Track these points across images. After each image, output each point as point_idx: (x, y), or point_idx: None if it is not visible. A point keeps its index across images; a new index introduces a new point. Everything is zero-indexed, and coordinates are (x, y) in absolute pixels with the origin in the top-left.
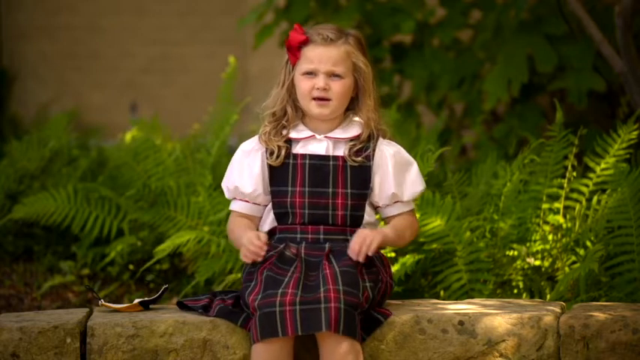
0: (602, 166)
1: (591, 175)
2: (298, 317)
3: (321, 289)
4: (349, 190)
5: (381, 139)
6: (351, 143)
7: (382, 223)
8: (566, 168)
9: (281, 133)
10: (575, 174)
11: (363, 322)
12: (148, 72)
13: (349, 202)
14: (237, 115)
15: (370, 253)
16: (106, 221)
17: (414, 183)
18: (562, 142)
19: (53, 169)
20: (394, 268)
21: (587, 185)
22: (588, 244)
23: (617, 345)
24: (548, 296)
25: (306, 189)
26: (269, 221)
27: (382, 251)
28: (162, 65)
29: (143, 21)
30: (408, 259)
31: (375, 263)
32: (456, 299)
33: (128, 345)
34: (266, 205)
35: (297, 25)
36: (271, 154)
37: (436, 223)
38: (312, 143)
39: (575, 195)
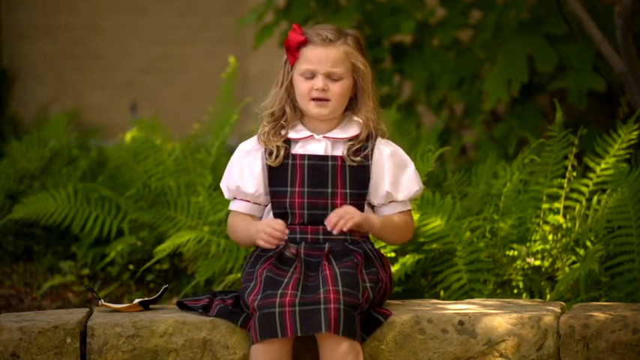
0: (602, 166)
1: (591, 175)
2: (298, 318)
3: (321, 290)
4: (348, 190)
5: (379, 139)
6: (350, 143)
7: None
8: (566, 168)
9: (280, 133)
10: (575, 174)
11: (363, 322)
12: (148, 72)
13: (348, 202)
14: (237, 115)
15: (345, 229)
16: (106, 221)
17: (410, 183)
18: (562, 142)
19: (53, 169)
20: (394, 268)
21: (587, 185)
22: (588, 244)
23: (617, 345)
24: (548, 296)
25: (305, 189)
26: None
27: (382, 251)
28: (162, 65)
29: (143, 21)
30: (408, 259)
31: (374, 263)
32: (456, 299)
33: (128, 345)
34: (266, 205)
35: (296, 25)
36: (270, 154)
37: (436, 223)
38: (310, 143)
39: (575, 195)
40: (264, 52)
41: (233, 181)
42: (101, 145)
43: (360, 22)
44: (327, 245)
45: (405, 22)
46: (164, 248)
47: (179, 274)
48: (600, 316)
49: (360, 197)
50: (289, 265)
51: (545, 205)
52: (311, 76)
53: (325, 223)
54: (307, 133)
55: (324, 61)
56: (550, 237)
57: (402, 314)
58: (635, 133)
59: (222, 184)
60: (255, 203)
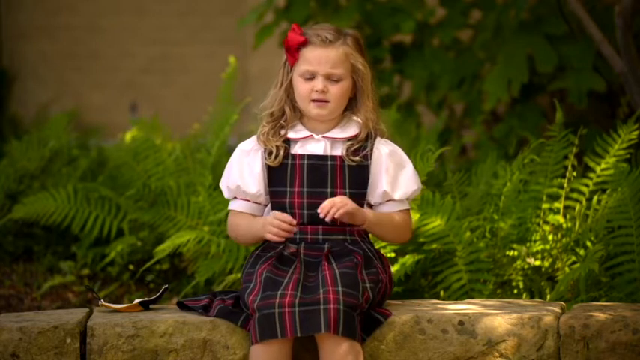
0: (602, 166)
1: (591, 175)
2: (297, 318)
3: (321, 291)
4: (347, 190)
5: (378, 139)
6: (349, 143)
7: None
8: (566, 168)
9: (279, 134)
10: (575, 174)
11: (362, 322)
12: (148, 72)
13: None
14: (237, 115)
15: (337, 216)
16: (106, 221)
17: (408, 182)
18: (562, 142)
19: (53, 169)
20: (394, 268)
21: (587, 185)
22: (588, 244)
23: (617, 345)
24: (548, 296)
25: (305, 189)
26: None
27: (382, 251)
28: (162, 65)
29: (143, 21)
30: (408, 259)
31: (374, 263)
32: (456, 299)
33: (128, 345)
34: (266, 205)
35: (295, 26)
36: (270, 154)
37: (436, 223)
38: (310, 143)
39: (575, 195)
40: (264, 52)
41: (233, 181)
42: (101, 145)
43: (360, 22)
44: (326, 245)
45: (405, 22)
46: (164, 248)
47: (179, 274)
48: (600, 316)
49: (359, 197)
50: (289, 265)
51: (545, 205)
52: (311, 77)
53: (318, 210)
54: (306, 133)
55: (323, 62)
56: (550, 237)
57: (402, 314)
58: (635, 133)
59: (222, 184)
60: (255, 203)
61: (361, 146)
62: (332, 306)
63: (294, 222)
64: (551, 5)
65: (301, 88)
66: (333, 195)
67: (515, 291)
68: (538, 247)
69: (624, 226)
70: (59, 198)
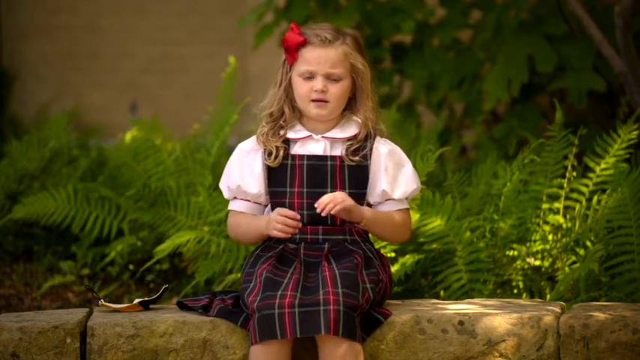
0: (602, 166)
1: (591, 175)
2: (297, 320)
3: (321, 292)
4: (347, 190)
5: (378, 138)
6: (349, 143)
7: None
8: (566, 168)
9: (278, 134)
10: (575, 174)
11: (363, 322)
12: (148, 72)
13: None
14: (237, 115)
15: (334, 212)
16: (106, 221)
17: (407, 182)
18: (562, 142)
19: (53, 169)
20: (394, 268)
21: (587, 185)
22: (588, 244)
23: (617, 345)
24: (548, 296)
25: (305, 189)
26: None
27: (382, 251)
28: (162, 65)
29: (143, 21)
30: (408, 259)
31: (374, 264)
32: (456, 299)
33: (128, 345)
34: (266, 205)
35: (294, 25)
36: (269, 154)
37: (436, 223)
38: (309, 143)
39: (575, 195)
40: (264, 52)
41: (234, 181)
42: (101, 145)
43: (360, 22)
44: (326, 245)
45: (405, 22)
46: (164, 248)
47: (179, 274)
48: (600, 316)
49: (359, 197)
50: (289, 265)
51: (545, 205)
52: (310, 77)
53: (315, 204)
54: (306, 133)
55: (323, 62)
56: (550, 237)
57: (402, 314)
58: (635, 133)
59: (222, 184)
60: (255, 203)
61: (360, 146)
62: (332, 307)
63: (299, 217)
64: (551, 5)
65: (301, 88)
66: None
67: (515, 291)
68: (538, 247)
69: (624, 226)
70: (59, 198)
